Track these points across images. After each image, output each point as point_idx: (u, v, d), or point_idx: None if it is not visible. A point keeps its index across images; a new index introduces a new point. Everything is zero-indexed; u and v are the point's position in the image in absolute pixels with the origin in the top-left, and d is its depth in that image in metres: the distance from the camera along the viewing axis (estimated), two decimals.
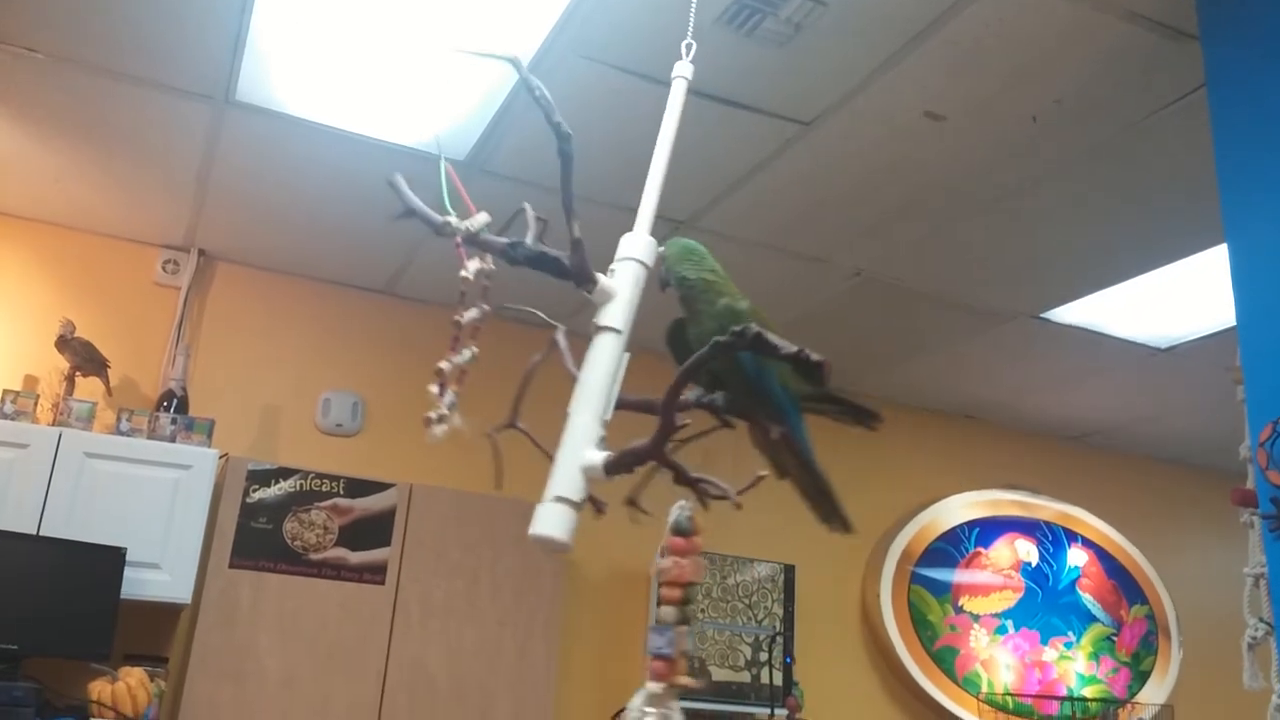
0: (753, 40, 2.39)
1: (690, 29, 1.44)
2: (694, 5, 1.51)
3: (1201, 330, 3.80)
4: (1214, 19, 2.09)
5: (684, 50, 1.40)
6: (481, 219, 1.19)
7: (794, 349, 0.96)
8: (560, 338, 1.21)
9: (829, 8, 2.29)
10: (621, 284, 1.17)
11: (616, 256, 1.24)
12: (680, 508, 1.10)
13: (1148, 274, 3.43)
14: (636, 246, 1.23)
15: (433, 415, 1.13)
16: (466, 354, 1.20)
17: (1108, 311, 3.75)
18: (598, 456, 1.06)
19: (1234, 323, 1.98)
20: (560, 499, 1.03)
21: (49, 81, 2.80)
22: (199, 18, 2.50)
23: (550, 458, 1.10)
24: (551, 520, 1.02)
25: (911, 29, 2.35)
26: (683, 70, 1.36)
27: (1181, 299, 3.60)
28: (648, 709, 1.01)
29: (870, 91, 2.58)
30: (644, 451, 1.06)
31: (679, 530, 1.10)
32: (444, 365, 1.17)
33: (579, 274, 1.13)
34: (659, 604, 1.10)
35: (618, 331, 1.14)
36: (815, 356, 0.95)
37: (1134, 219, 3.11)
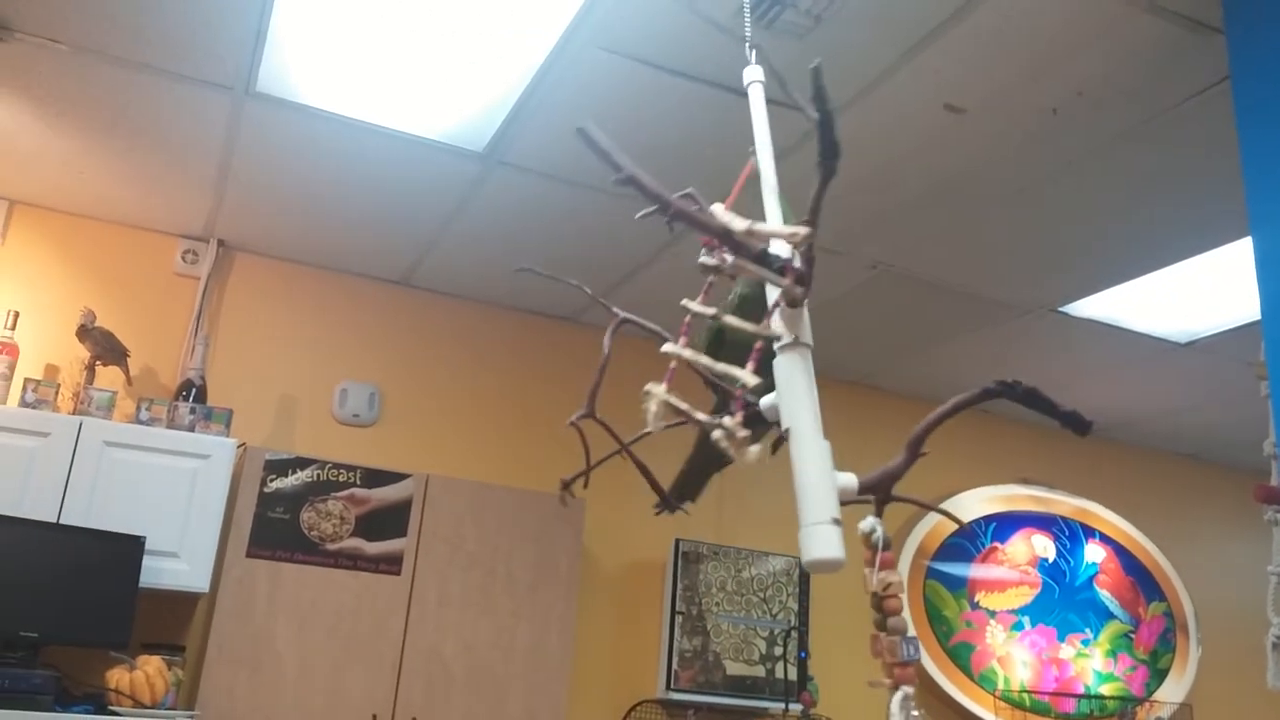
0: (772, 32, 2.38)
1: (748, 31, 1.45)
2: (747, 8, 1.50)
3: (1223, 325, 3.77)
4: (1239, 12, 2.07)
5: (748, 53, 1.41)
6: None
7: (1068, 409, 1.04)
8: (671, 347, 1.18)
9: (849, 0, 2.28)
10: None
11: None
12: (873, 523, 1.12)
13: (1168, 268, 3.41)
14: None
15: (652, 398, 1.11)
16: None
17: (1128, 305, 3.72)
18: (851, 479, 1.11)
19: (1256, 317, 1.96)
20: (826, 522, 1.04)
21: (71, 72, 2.82)
22: (220, 9, 2.51)
23: (624, 449, 1.11)
24: (825, 542, 1.03)
25: (931, 21, 2.34)
26: (755, 74, 1.37)
27: (1203, 293, 3.57)
28: (913, 711, 1.04)
29: (889, 84, 2.56)
30: (894, 473, 1.13)
31: (886, 545, 1.13)
32: (671, 349, 1.14)
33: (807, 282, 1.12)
34: (885, 615, 1.12)
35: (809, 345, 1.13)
36: (1085, 418, 1.04)
37: (1155, 212, 3.09)
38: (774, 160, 1.34)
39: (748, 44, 1.41)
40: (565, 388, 4.17)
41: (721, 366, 1.10)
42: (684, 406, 1.08)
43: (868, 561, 1.12)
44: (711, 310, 1.16)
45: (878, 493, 1.11)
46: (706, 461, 1.38)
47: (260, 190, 3.41)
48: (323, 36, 2.58)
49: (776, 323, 1.15)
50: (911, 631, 1.10)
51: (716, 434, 1.08)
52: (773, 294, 1.17)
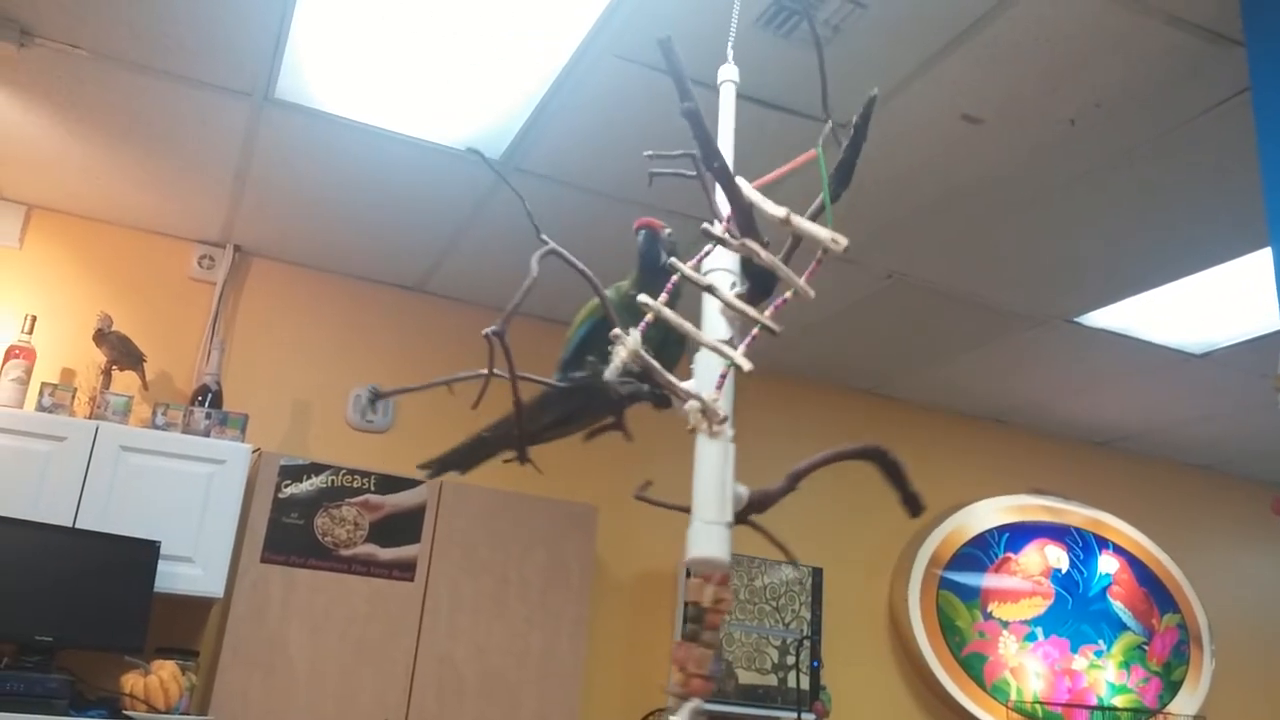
0: (790, 42, 2.39)
1: (731, 39, 1.44)
2: (735, 16, 1.49)
3: (1239, 336, 3.75)
4: (1259, 24, 2.06)
5: (728, 51, 1.40)
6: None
7: (912, 491, 1.15)
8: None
9: (868, 10, 2.28)
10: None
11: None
12: None
13: (1185, 279, 3.39)
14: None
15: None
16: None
17: (1142, 316, 3.71)
18: (743, 491, 1.12)
19: (1273, 329, 1.95)
20: (713, 522, 1.05)
21: (89, 78, 2.84)
22: (240, 16, 2.53)
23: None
24: (717, 542, 1.05)
25: (949, 32, 2.34)
26: (729, 74, 1.36)
27: (1218, 304, 3.56)
28: None
29: (907, 94, 2.57)
30: (770, 496, 1.15)
31: None
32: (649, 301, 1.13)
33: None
34: (704, 628, 1.13)
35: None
36: (920, 503, 1.14)
37: (1171, 224, 3.08)
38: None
39: (730, 42, 1.40)
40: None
41: (711, 340, 1.08)
42: (657, 365, 1.06)
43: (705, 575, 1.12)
44: (706, 281, 1.15)
45: (751, 510, 1.11)
46: (495, 444, 1.39)
47: (277, 196, 3.43)
48: (342, 43, 2.60)
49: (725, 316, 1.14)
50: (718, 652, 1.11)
51: (691, 405, 1.07)
52: (734, 286, 1.17)
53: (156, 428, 3.28)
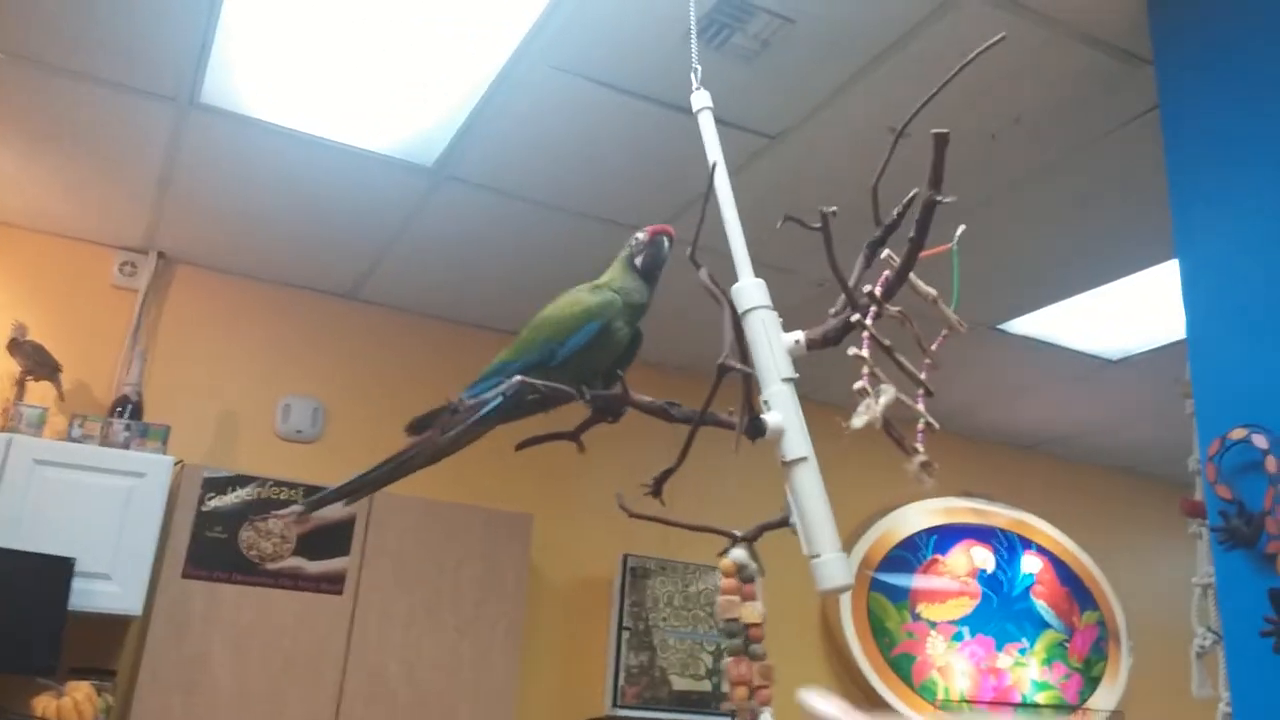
0: (721, 55, 2.42)
1: (694, 56, 1.46)
2: (694, 31, 1.51)
3: (1151, 343, 3.90)
4: (1167, 44, 2.15)
5: (693, 77, 1.42)
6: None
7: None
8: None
9: (796, 25, 2.32)
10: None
11: (744, 310, 1.23)
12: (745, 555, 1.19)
13: (1100, 287, 3.52)
14: (755, 295, 1.24)
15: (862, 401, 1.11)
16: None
17: (1061, 323, 3.83)
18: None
19: (1182, 336, 2.03)
20: (840, 552, 1.11)
21: (7, 80, 2.74)
22: (164, 19, 2.47)
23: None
24: (840, 571, 1.09)
25: (875, 47, 2.39)
26: (702, 101, 1.39)
27: (1132, 313, 3.70)
28: None
29: (835, 107, 2.62)
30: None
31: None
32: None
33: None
34: (750, 641, 1.18)
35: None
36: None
37: (1088, 234, 3.19)
38: (731, 193, 1.37)
39: (694, 70, 1.43)
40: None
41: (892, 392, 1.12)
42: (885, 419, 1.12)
43: (733, 590, 1.18)
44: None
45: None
46: (399, 472, 1.39)
47: (203, 202, 3.35)
48: (270, 48, 2.55)
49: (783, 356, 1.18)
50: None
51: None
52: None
53: (73, 440, 3.17)
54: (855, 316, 1.15)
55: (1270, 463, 1.75)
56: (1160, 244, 3.17)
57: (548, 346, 1.35)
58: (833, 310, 1.17)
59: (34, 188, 3.31)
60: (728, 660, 1.17)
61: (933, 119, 2.87)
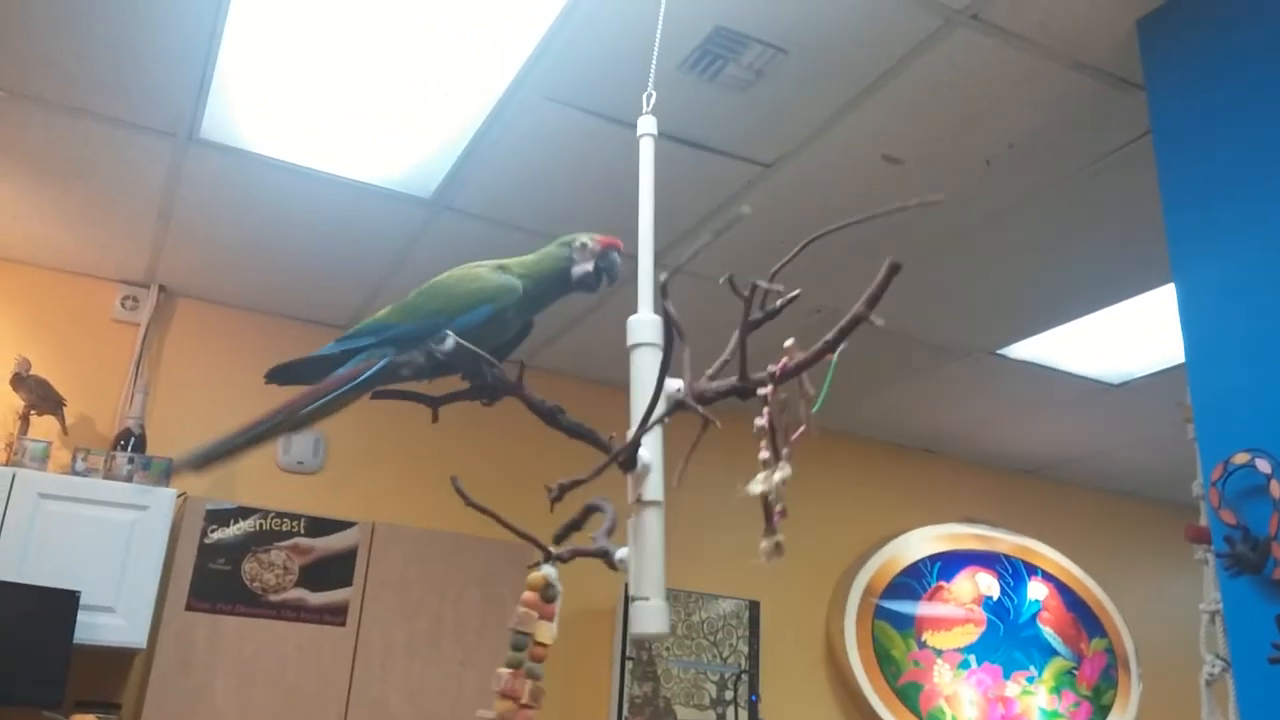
0: (715, 85, 2.44)
1: (651, 80, 1.46)
2: (654, 59, 1.52)
3: (1152, 367, 3.89)
4: (1158, 70, 2.17)
5: (645, 101, 1.42)
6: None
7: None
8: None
9: (790, 55, 2.35)
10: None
11: (633, 343, 1.22)
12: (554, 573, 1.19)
13: (1099, 311, 3.52)
14: (648, 331, 1.23)
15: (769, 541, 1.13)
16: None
17: (1061, 348, 3.83)
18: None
19: (1183, 359, 2.02)
20: (646, 598, 1.12)
21: (9, 117, 2.78)
22: (164, 55, 2.50)
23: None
24: (648, 619, 1.11)
25: (868, 76, 2.42)
26: (647, 126, 1.38)
27: (1132, 336, 3.69)
28: None
29: (829, 135, 2.64)
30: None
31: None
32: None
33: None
34: (533, 660, 1.16)
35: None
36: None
37: (1085, 259, 3.19)
38: (652, 214, 1.36)
39: (648, 94, 1.42)
40: (513, 432, 4.15)
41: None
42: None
43: (535, 605, 1.19)
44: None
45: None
46: (258, 440, 1.32)
47: (203, 236, 3.38)
48: (269, 83, 2.59)
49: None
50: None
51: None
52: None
53: (76, 474, 3.18)
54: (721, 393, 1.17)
55: (1274, 487, 1.74)
56: (1158, 268, 3.18)
57: (435, 319, 1.28)
58: (709, 372, 1.16)
59: (35, 223, 3.34)
60: (504, 671, 1.16)
61: (928, 145, 2.90)
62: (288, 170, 2.95)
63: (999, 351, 3.89)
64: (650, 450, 1.16)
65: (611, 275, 1.34)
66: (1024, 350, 3.86)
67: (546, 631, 1.15)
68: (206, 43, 2.44)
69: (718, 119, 2.59)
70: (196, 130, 2.79)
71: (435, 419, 1.30)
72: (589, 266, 1.33)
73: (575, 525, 1.24)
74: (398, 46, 2.41)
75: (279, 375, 1.31)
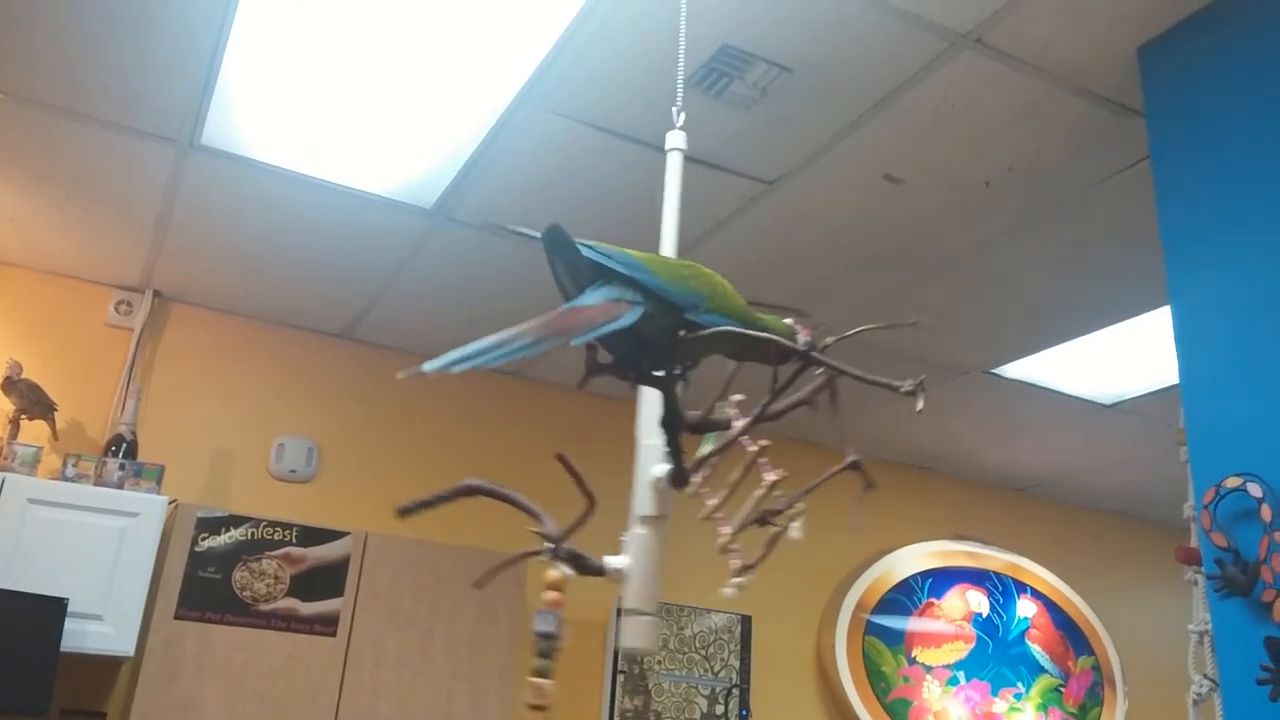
0: (720, 102, 2.46)
1: (679, 96, 1.47)
2: (680, 71, 1.53)
3: (1145, 388, 3.92)
4: (1158, 96, 2.19)
5: (674, 115, 1.43)
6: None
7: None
8: None
9: (794, 74, 2.36)
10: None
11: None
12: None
13: (1094, 333, 3.55)
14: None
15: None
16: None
17: (1055, 368, 3.86)
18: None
19: (1173, 382, 2.04)
20: (640, 612, 1.13)
21: (10, 121, 2.76)
22: (167, 62, 2.50)
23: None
24: (637, 633, 1.14)
25: (872, 97, 2.43)
26: (676, 141, 1.39)
27: (1126, 358, 3.72)
28: None
29: (832, 154, 2.65)
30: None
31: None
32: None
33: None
34: (547, 662, 1.16)
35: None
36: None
37: (1081, 281, 3.22)
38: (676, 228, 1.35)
39: (677, 108, 1.43)
40: (507, 443, 4.15)
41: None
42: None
43: (558, 604, 1.18)
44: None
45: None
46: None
47: (200, 242, 3.37)
48: (272, 91, 2.58)
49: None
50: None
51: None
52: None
53: (66, 479, 3.16)
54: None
55: (1266, 511, 1.75)
56: (1153, 290, 3.21)
57: (696, 297, 1.11)
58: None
59: (32, 226, 3.33)
60: (543, 682, 1.16)
61: (929, 166, 2.93)
62: (289, 178, 2.95)
63: (993, 370, 3.91)
64: (659, 469, 1.17)
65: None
66: (1018, 370, 3.89)
67: (565, 630, 1.16)
68: (210, 50, 2.44)
69: (722, 135, 2.60)
70: (198, 137, 2.78)
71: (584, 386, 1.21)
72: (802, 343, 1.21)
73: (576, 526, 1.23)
74: (403, 57, 2.42)
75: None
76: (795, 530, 1.11)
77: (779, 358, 1.14)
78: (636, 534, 1.16)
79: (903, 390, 1.09)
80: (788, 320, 1.23)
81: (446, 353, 0.93)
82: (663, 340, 1.09)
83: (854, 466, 1.11)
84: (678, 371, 1.13)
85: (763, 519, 1.16)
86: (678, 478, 1.14)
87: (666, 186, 1.33)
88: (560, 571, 1.16)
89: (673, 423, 1.12)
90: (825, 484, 1.26)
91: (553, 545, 1.13)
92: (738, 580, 1.10)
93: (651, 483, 1.16)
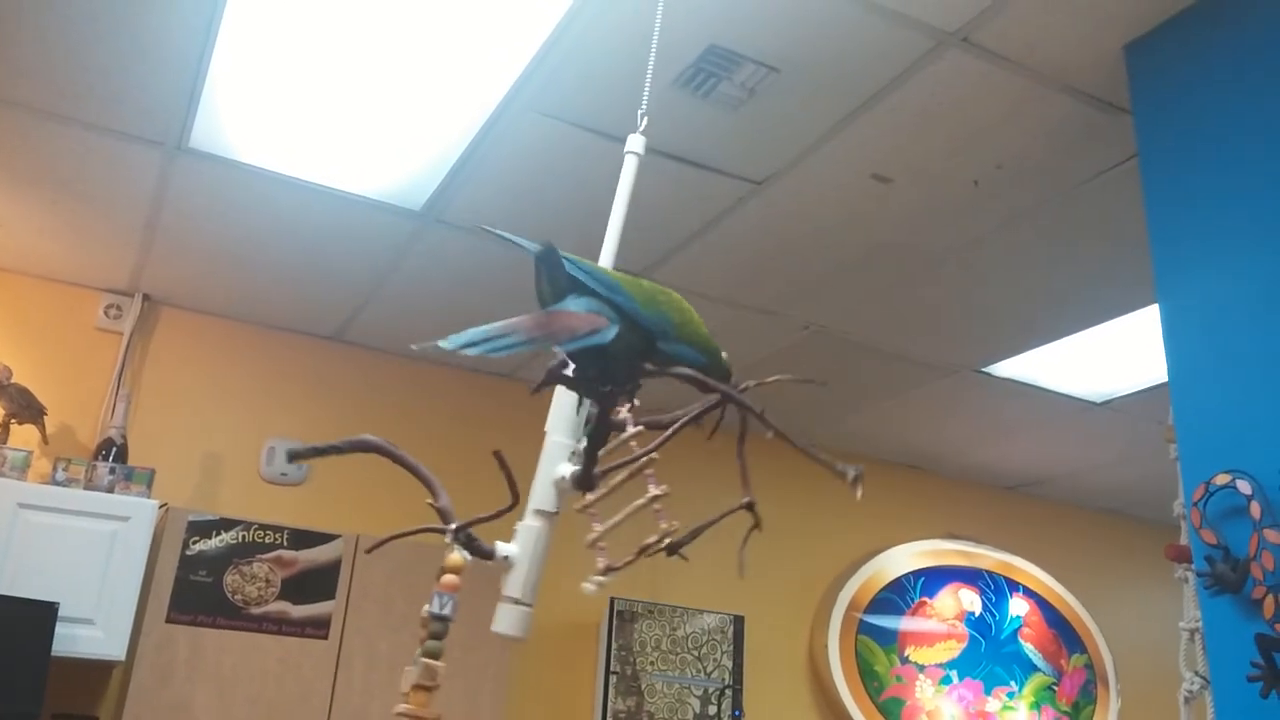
0: (708, 102, 2.46)
1: (644, 101, 1.47)
2: (649, 77, 1.53)
3: (1135, 386, 3.93)
4: (1145, 94, 2.20)
5: (638, 120, 1.43)
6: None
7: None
8: None
9: (782, 74, 2.36)
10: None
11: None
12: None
13: (1084, 331, 3.55)
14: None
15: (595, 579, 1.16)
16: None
17: (1046, 366, 3.86)
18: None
19: (1163, 380, 2.04)
20: (517, 600, 1.17)
21: None
22: (154, 64, 2.49)
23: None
24: (510, 620, 1.16)
25: (860, 96, 2.44)
26: (635, 145, 1.39)
27: (1116, 355, 3.73)
28: None
29: (820, 154, 2.65)
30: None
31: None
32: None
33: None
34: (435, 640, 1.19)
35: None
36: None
37: (1070, 279, 3.23)
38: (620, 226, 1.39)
39: (641, 112, 1.44)
40: (497, 444, 4.14)
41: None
42: None
43: (456, 588, 1.20)
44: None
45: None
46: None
47: (189, 245, 3.36)
48: (260, 94, 2.58)
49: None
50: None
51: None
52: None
53: (57, 484, 3.15)
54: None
55: (1255, 509, 1.76)
56: (1142, 289, 3.22)
57: (665, 324, 1.12)
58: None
59: (20, 230, 3.32)
60: (433, 663, 1.18)
61: (917, 164, 2.93)
62: (277, 181, 2.94)
63: (983, 369, 3.91)
64: (564, 469, 1.21)
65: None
66: (1008, 368, 3.89)
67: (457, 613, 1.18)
68: (198, 52, 2.43)
69: (709, 136, 2.60)
70: (186, 140, 2.78)
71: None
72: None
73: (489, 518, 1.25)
74: (391, 59, 2.41)
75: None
76: (589, 585, 1.14)
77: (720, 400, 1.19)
78: (529, 526, 1.19)
79: (850, 479, 1.14)
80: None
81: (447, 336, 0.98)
82: (622, 358, 1.11)
83: (748, 507, 1.14)
84: (627, 389, 1.15)
85: (650, 548, 1.18)
86: (583, 481, 1.17)
87: (619, 188, 1.35)
88: (462, 556, 1.18)
89: (599, 435, 1.16)
90: (822, 485, 1.29)
91: (453, 528, 1.17)
92: (599, 578, 1.12)
93: (554, 480, 1.18)
